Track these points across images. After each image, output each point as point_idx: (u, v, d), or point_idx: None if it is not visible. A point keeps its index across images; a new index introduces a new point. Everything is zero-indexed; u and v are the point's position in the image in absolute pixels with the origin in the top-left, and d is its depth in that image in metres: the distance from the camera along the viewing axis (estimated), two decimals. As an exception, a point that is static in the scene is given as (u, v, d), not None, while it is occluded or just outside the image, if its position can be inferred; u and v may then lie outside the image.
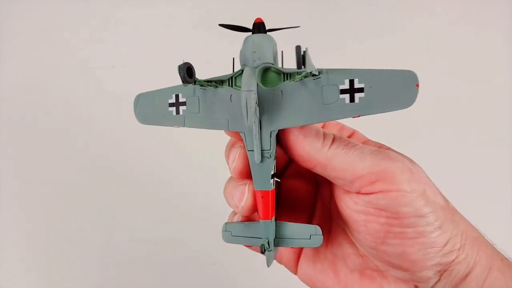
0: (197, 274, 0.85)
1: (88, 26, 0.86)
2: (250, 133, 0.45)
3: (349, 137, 0.53)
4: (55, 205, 0.85)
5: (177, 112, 0.48)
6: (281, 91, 0.44)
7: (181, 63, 0.42)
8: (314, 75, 0.42)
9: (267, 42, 0.45)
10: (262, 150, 0.44)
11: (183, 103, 0.48)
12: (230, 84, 0.47)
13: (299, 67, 0.38)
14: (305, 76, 0.42)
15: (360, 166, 0.42)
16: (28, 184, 0.85)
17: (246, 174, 0.47)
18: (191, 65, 0.43)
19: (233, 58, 0.47)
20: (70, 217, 0.84)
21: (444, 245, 0.41)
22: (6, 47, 0.84)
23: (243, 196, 0.47)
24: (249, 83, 0.43)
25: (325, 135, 0.45)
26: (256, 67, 0.44)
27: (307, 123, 0.43)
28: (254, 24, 0.45)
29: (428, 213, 0.41)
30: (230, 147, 0.49)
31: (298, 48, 0.38)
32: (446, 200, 0.44)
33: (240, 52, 0.46)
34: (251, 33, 0.46)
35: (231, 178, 0.50)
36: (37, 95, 0.85)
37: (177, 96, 0.49)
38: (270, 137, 0.44)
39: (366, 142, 0.51)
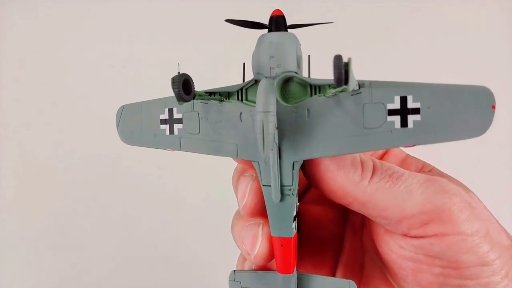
0: (197, 275, 0.84)
1: (88, 25, 0.85)
2: (267, 165, 0.34)
3: (385, 153, 0.43)
4: (55, 205, 0.84)
5: (171, 131, 0.38)
6: (308, 109, 0.33)
7: (176, 75, 0.31)
8: (327, 93, 0.31)
9: (289, 44, 0.34)
10: (282, 186, 0.34)
11: (179, 120, 0.38)
12: (240, 98, 0.36)
13: (339, 84, 0.28)
14: (342, 91, 0.31)
15: (409, 203, 0.33)
16: (28, 184, 0.85)
17: (260, 212, 0.37)
18: (189, 76, 0.32)
19: (244, 64, 0.36)
20: (70, 216, 0.84)
21: None
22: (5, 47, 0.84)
23: (256, 242, 0.37)
24: (266, 102, 0.32)
25: (363, 164, 0.35)
26: (274, 78, 0.33)
27: (341, 153, 0.33)
28: (272, 19, 0.34)
29: (493, 260, 0.33)
30: (238, 176, 0.39)
31: (338, 59, 0.27)
32: (509, 236, 0.35)
33: (253, 55, 0.35)
34: (266, 30, 0.35)
35: (241, 217, 0.40)
36: (36, 95, 0.84)
37: (171, 111, 0.38)
38: (293, 169, 0.34)
39: (405, 159, 0.42)
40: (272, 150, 0.33)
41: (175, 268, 0.84)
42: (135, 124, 0.39)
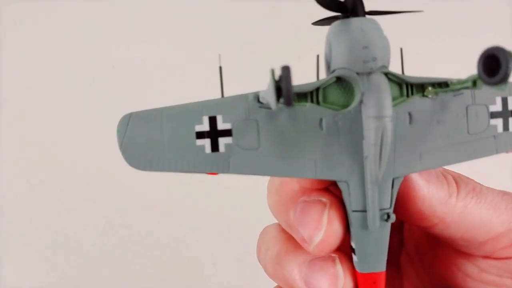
0: (197, 275, 0.83)
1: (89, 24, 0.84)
2: (360, 184, 0.27)
3: None
4: (55, 205, 0.83)
5: (214, 147, 0.27)
6: (409, 113, 0.27)
7: (282, 68, 0.22)
8: (461, 88, 0.27)
9: (380, 32, 0.28)
10: (379, 210, 0.27)
11: (226, 133, 0.27)
12: (315, 100, 0.28)
13: (500, 82, 0.23)
14: (453, 89, 0.27)
15: (495, 221, 0.30)
16: (28, 184, 0.83)
17: (337, 248, 0.29)
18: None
19: (318, 56, 0.29)
20: (69, 216, 0.83)
21: None
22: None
23: (338, 283, 0.29)
24: (383, 103, 0.25)
25: (446, 178, 0.31)
26: (368, 74, 0.27)
27: (446, 163, 0.28)
28: (347, 1, 0.28)
29: None
30: (292, 201, 0.30)
31: (501, 50, 0.22)
32: None
33: (330, 45, 0.28)
34: (340, 16, 0.28)
35: (295, 250, 0.31)
36: (36, 95, 0.83)
37: (212, 120, 0.27)
38: (392, 188, 0.27)
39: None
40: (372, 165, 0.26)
41: (175, 269, 0.83)
42: (151, 140, 0.27)
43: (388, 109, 0.25)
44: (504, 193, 0.32)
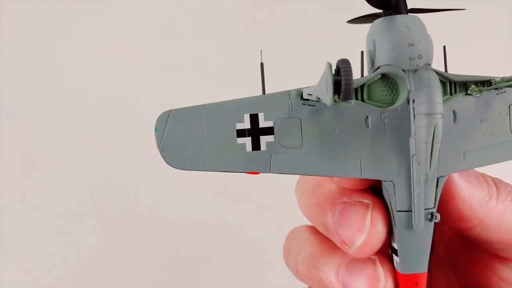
0: (197, 275, 0.82)
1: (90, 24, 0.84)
2: (406, 183, 0.27)
3: None
4: (55, 205, 0.83)
5: (256, 146, 0.26)
6: (454, 112, 0.27)
7: (341, 61, 0.21)
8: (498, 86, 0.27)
9: (424, 30, 0.27)
10: (424, 210, 0.27)
11: (268, 131, 0.27)
12: (360, 97, 0.27)
13: None
14: (496, 88, 0.26)
15: None
16: (27, 184, 0.83)
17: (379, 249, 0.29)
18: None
19: (362, 52, 0.28)
20: (69, 216, 0.83)
21: None
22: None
23: (378, 285, 0.28)
24: (434, 100, 0.25)
25: (485, 179, 0.30)
26: (414, 71, 0.26)
27: (489, 162, 0.28)
28: None
29: None
30: (332, 203, 0.30)
31: None
32: None
33: (374, 42, 0.27)
34: (382, 13, 0.28)
35: (331, 252, 0.30)
36: (36, 94, 0.83)
37: (254, 118, 0.26)
38: (437, 187, 0.27)
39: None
40: (419, 164, 0.26)
41: (175, 269, 0.82)
42: (191, 139, 0.26)
43: (440, 106, 0.24)
44: (483, 176, 0.31)
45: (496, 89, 0.27)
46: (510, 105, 0.28)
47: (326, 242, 0.31)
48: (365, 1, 0.26)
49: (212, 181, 0.68)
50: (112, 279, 0.83)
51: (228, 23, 0.81)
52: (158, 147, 0.26)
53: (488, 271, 0.33)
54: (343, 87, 0.21)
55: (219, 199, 0.78)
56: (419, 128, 0.25)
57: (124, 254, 0.83)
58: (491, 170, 0.29)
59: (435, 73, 0.26)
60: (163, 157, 0.26)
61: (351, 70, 0.21)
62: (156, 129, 0.26)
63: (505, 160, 0.28)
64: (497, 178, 0.31)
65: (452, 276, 0.36)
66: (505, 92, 0.27)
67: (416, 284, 0.28)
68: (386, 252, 0.30)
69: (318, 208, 0.30)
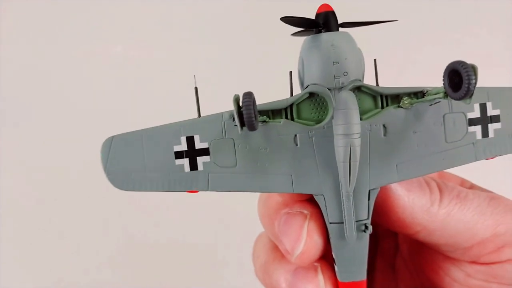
0: (196, 275, 0.81)
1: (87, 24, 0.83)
2: (336, 197, 0.28)
3: None
4: (53, 204, 0.83)
5: (193, 166, 0.28)
6: (384, 125, 0.27)
7: (243, 95, 0.23)
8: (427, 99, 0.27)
9: (352, 45, 0.27)
10: (356, 221, 0.28)
11: (204, 151, 0.28)
12: (289, 116, 0.28)
13: (465, 96, 0.23)
14: (428, 100, 0.27)
15: (481, 226, 0.30)
16: (27, 184, 0.83)
17: (318, 258, 0.30)
18: (254, 96, 0.24)
19: (290, 73, 0.29)
20: (69, 217, 0.83)
21: None
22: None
23: None
24: (351, 122, 0.25)
25: (429, 185, 0.31)
26: (340, 89, 0.27)
27: (424, 173, 0.28)
28: (319, 15, 0.28)
29: None
30: (276, 213, 0.31)
31: (464, 65, 0.22)
32: None
33: (304, 61, 0.28)
34: (314, 30, 0.28)
35: (281, 259, 0.32)
36: (35, 94, 0.83)
37: (190, 140, 0.28)
38: (369, 199, 0.28)
39: (443, 175, 0.38)
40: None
41: (174, 270, 0.82)
42: (133, 162, 0.28)
43: (356, 127, 0.25)
44: (492, 197, 0.31)
45: (427, 101, 0.27)
46: (444, 115, 0.28)
47: (278, 250, 0.32)
48: (294, 24, 0.27)
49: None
50: (112, 280, 0.83)
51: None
52: (104, 170, 0.28)
53: (441, 272, 0.33)
54: (245, 119, 0.22)
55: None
56: (338, 148, 0.25)
57: (123, 254, 0.83)
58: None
59: (352, 93, 0.26)
60: (109, 180, 0.28)
61: (251, 103, 0.22)
62: (101, 154, 0.28)
63: (441, 170, 0.28)
64: (443, 182, 0.31)
65: (416, 276, 0.37)
66: (438, 102, 0.27)
67: None
68: (331, 260, 0.31)
69: (268, 218, 0.32)
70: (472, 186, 0.36)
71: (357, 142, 0.25)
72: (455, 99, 0.23)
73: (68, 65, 0.82)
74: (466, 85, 0.22)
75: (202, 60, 0.74)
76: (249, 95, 0.23)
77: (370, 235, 0.40)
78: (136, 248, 0.82)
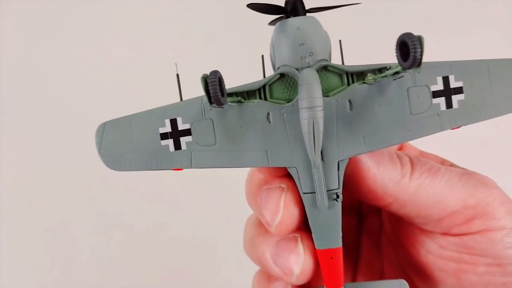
0: (196, 275, 0.82)
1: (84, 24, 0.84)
2: (307, 168, 0.30)
3: (400, 150, 0.41)
4: (53, 205, 0.83)
5: (177, 146, 0.31)
6: (349, 100, 0.30)
7: (209, 73, 0.25)
8: (396, 72, 0.29)
9: (318, 29, 0.30)
10: (327, 191, 0.30)
11: (186, 132, 0.31)
12: (263, 97, 0.31)
13: (413, 65, 0.25)
14: (386, 76, 0.28)
15: (451, 199, 0.31)
16: (27, 184, 0.83)
17: (297, 228, 0.32)
18: (221, 75, 0.26)
19: (262, 56, 0.31)
20: (69, 217, 0.83)
21: None
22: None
23: (298, 259, 0.32)
24: (313, 95, 0.27)
25: (400, 160, 0.32)
26: (307, 68, 0.29)
27: (391, 144, 0.30)
28: (288, 2, 0.30)
29: None
30: (258, 189, 0.33)
31: (411, 37, 0.24)
32: None
33: (273, 45, 0.30)
34: (281, 16, 0.31)
35: (265, 233, 0.34)
36: (35, 94, 0.84)
37: (173, 122, 0.31)
38: (338, 170, 0.30)
39: (422, 155, 0.40)
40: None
41: (174, 270, 0.82)
42: (124, 144, 0.31)
43: (319, 100, 0.27)
44: (464, 172, 0.32)
45: (394, 74, 0.29)
46: (408, 89, 0.30)
47: (262, 225, 0.35)
48: (261, 10, 0.29)
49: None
50: (112, 280, 0.82)
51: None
52: (99, 154, 0.32)
53: (417, 244, 0.35)
54: (211, 95, 0.25)
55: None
56: (303, 120, 0.28)
57: (123, 254, 0.83)
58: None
59: (314, 71, 0.28)
60: (104, 162, 0.31)
61: (217, 80, 0.25)
62: (96, 139, 0.32)
63: (408, 140, 0.30)
64: (416, 157, 0.33)
65: (398, 252, 0.39)
66: (402, 77, 0.29)
67: (332, 258, 0.31)
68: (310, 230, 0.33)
69: (251, 195, 0.34)
70: (452, 165, 0.38)
71: (320, 114, 0.27)
72: (406, 69, 0.25)
73: (68, 65, 0.83)
74: (413, 54, 0.24)
75: (197, 55, 0.73)
76: (214, 73, 0.25)
77: (354, 213, 0.42)
78: (136, 248, 0.82)
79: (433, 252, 0.34)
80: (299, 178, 0.30)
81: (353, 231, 0.41)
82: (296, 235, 0.33)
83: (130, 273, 0.83)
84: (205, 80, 0.25)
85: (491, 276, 0.32)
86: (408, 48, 0.24)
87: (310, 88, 0.27)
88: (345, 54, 0.31)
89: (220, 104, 0.25)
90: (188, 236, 0.81)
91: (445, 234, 0.33)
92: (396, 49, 0.26)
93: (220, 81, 0.26)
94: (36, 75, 0.84)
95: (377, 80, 0.29)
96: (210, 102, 0.26)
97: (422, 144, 0.43)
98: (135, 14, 0.83)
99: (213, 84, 0.25)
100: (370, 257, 0.41)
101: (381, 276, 0.40)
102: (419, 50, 0.24)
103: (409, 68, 0.25)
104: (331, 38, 0.31)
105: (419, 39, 0.24)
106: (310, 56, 0.29)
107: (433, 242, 0.34)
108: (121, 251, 0.83)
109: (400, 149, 0.41)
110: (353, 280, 0.40)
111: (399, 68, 0.27)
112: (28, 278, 0.84)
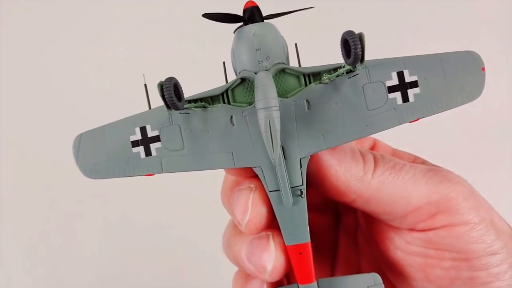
0: (196, 274, 0.82)
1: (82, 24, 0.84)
2: (271, 167, 0.31)
3: (372, 149, 0.42)
4: (54, 205, 0.84)
5: (148, 152, 0.33)
6: (307, 100, 0.31)
7: (164, 80, 0.27)
8: (350, 71, 0.30)
9: (274, 34, 0.31)
10: (292, 188, 0.31)
11: (156, 139, 0.32)
12: (226, 101, 0.32)
13: (355, 62, 0.26)
14: (339, 75, 0.30)
15: (415, 195, 0.32)
16: (27, 184, 0.84)
17: (266, 226, 0.33)
18: (177, 81, 0.28)
19: (224, 63, 0.33)
20: (69, 217, 0.84)
21: None
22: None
23: (270, 256, 0.33)
24: (268, 96, 0.29)
25: (363, 157, 0.33)
26: (262, 71, 0.30)
27: (349, 140, 0.31)
28: (246, 11, 0.32)
29: (501, 248, 0.32)
30: (230, 191, 0.35)
31: (352, 34, 0.26)
32: (509, 225, 0.35)
33: (233, 51, 0.32)
34: (242, 24, 0.32)
35: (240, 233, 0.36)
36: (34, 94, 0.84)
37: (143, 130, 0.33)
38: (301, 167, 0.31)
39: (395, 153, 0.41)
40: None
41: (174, 270, 0.83)
42: (99, 154, 0.33)
43: (274, 100, 0.29)
44: (430, 169, 0.33)
45: (348, 72, 0.30)
46: (363, 86, 0.31)
47: (237, 226, 0.36)
48: (217, 19, 0.31)
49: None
50: (110, 280, 0.82)
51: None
52: (76, 164, 0.33)
53: (387, 241, 0.35)
54: (166, 99, 0.27)
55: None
56: (260, 120, 0.29)
57: (123, 253, 0.83)
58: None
59: (268, 73, 0.30)
60: (81, 171, 0.33)
61: (171, 86, 0.27)
62: (73, 150, 0.33)
63: (366, 135, 0.31)
64: (381, 155, 0.34)
65: (373, 249, 0.39)
66: (357, 75, 0.31)
67: (301, 253, 0.32)
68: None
69: (225, 197, 0.36)
70: (424, 162, 0.38)
71: (276, 114, 0.28)
72: (350, 65, 0.26)
73: (69, 65, 0.83)
74: (353, 51, 0.25)
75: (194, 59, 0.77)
76: (169, 80, 0.27)
77: (331, 212, 0.43)
78: (137, 248, 0.83)
79: (401, 248, 0.34)
80: (264, 177, 0.31)
81: (330, 229, 0.42)
82: (269, 233, 0.34)
83: (130, 273, 0.83)
84: (161, 86, 0.27)
85: (457, 270, 0.32)
86: (350, 46, 0.25)
87: (265, 89, 0.29)
88: (303, 56, 0.33)
89: (176, 108, 0.27)
90: (189, 236, 0.81)
91: (411, 230, 0.33)
92: (341, 47, 0.27)
93: (176, 86, 0.27)
94: (36, 75, 0.84)
95: (332, 79, 0.30)
96: (168, 107, 0.27)
97: (402, 141, 0.44)
98: (135, 14, 0.84)
99: (167, 90, 0.26)
100: (347, 254, 0.41)
101: (359, 272, 0.40)
102: (359, 46, 0.25)
103: (353, 64, 0.26)
104: (289, 42, 0.33)
105: (360, 36, 0.25)
106: (267, 60, 0.30)
107: (401, 238, 0.34)
108: (123, 250, 0.83)
109: (372, 148, 0.42)
110: (331, 276, 0.41)
111: (349, 66, 0.28)
112: (28, 278, 0.83)
